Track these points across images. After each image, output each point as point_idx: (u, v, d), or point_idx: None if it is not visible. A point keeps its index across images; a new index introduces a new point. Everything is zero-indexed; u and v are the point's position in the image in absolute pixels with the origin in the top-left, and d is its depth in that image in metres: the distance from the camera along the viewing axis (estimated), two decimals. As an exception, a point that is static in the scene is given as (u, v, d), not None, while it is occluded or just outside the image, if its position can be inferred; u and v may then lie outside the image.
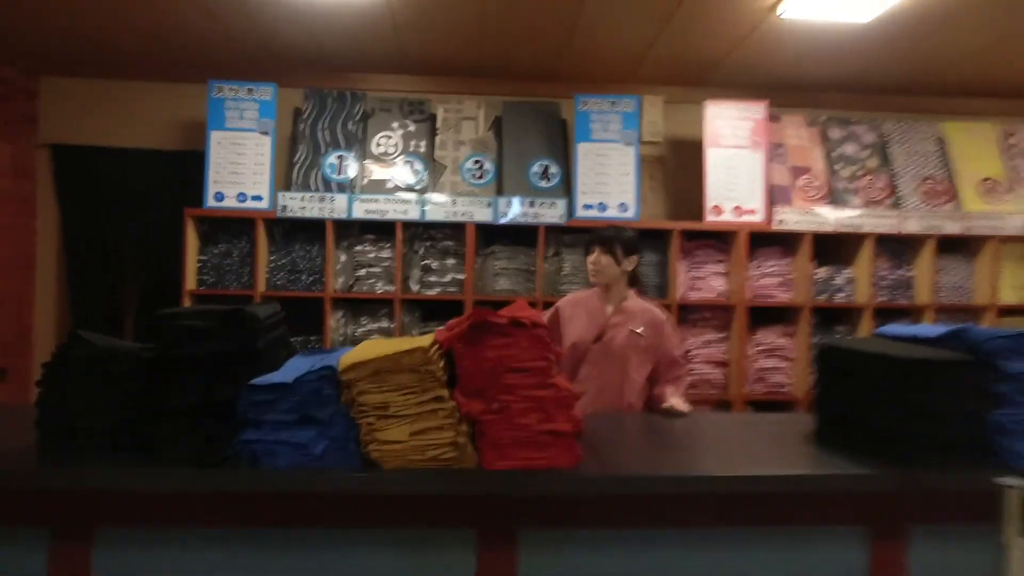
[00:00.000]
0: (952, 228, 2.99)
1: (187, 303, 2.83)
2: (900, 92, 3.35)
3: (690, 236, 3.06)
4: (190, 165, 2.92)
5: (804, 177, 3.11)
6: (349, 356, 1.16)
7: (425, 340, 1.20)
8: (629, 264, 2.07)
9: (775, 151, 3.12)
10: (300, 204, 2.84)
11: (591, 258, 2.05)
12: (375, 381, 1.14)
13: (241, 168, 2.90)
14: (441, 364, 1.16)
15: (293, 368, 1.19)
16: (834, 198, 3.09)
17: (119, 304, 3.25)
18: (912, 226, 2.98)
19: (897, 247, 3.08)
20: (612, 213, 2.97)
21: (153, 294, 3.19)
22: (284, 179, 3.03)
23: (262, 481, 1.11)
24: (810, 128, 3.22)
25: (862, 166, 3.16)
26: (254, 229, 2.85)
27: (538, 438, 1.16)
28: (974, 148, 3.18)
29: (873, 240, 2.97)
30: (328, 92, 3.10)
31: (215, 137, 2.91)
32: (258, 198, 2.87)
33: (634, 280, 2.14)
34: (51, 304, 3.33)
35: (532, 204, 2.91)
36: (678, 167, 3.37)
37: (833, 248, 3.09)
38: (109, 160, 3.22)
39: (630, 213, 2.97)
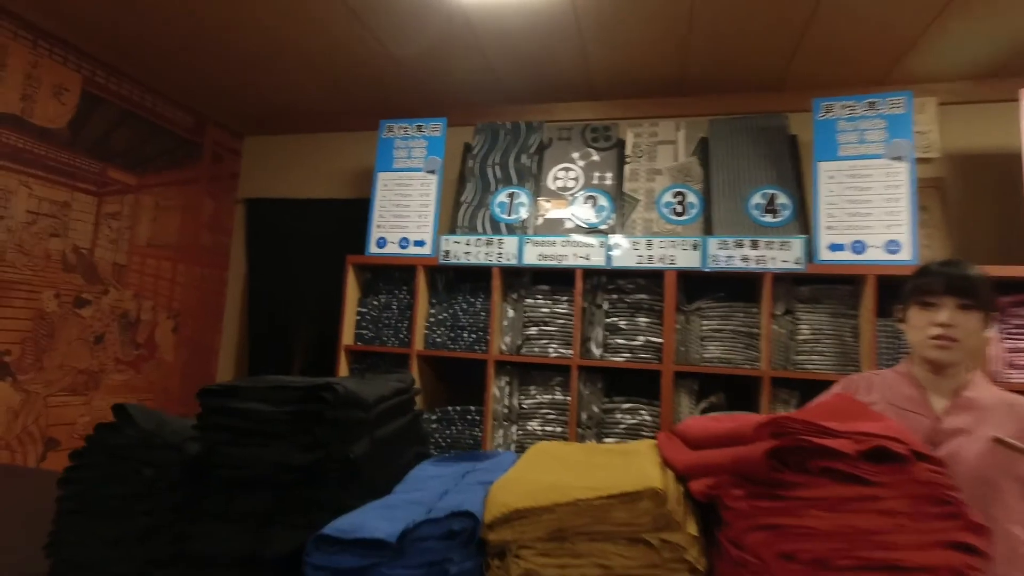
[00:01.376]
0: None
1: (343, 361, 2.55)
2: None
3: (1004, 288, 2.06)
4: (363, 212, 2.72)
5: None
6: (504, 491, 0.59)
7: (652, 462, 0.58)
8: (992, 328, 1.26)
9: None
10: (464, 249, 2.44)
11: (939, 317, 1.24)
12: (555, 553, 0.54)
13: (406, 211, 2.61)
14: (693, 525, 0.54)
15: (407, 499, 0.65)
16: None
17: (290, 357, 3.19)
18: None
19: None
20: (875, 256, 2.12)
21: (319, 348, 3.06)
22: (450, 222, 2.69)
23: None
24: None
25: None
26: (415, 278, 2.51)
27: None
28: None
29: None
30: (501, 125, 2.74)
31: (382, 179, 2.68)
32: (420, 243, 2.54)
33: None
34: (232, 353, 3.40)
35: (755, 246, 2.19)
36: (967, 192, 2.41)
37: None
38: (291, 211, 3.29)
39: (904, 255, 2.09)
